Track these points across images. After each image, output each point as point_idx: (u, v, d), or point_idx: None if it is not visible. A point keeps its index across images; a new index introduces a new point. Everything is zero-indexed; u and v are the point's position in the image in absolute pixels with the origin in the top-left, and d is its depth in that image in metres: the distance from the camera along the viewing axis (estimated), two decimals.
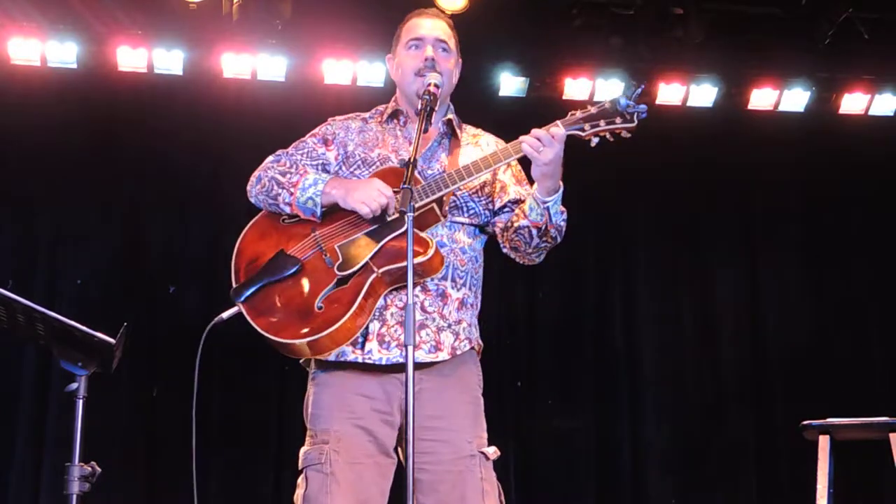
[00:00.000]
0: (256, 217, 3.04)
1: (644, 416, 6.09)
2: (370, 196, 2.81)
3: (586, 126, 2.85)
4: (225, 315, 2.88)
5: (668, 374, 6.16)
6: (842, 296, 6.31)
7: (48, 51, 5.45)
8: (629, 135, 2.88)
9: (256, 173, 3.06)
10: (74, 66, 5.51)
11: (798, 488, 5.68)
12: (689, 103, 6.01)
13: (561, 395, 6.01)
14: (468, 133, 3.11)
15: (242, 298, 2.85)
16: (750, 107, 6.08)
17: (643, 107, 2.86)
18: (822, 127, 6.18)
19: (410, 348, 2.50)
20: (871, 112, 6.13)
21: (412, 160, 2.67)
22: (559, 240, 2.96)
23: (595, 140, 2.87)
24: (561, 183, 2.85)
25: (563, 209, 2.91)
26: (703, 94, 6.00)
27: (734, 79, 6.03)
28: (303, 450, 2.90)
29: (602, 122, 2.85)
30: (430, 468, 2.83)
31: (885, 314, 6.31)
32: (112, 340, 2.59)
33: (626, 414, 6.08)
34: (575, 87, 5.81)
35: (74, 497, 2.55)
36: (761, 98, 6.05)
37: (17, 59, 5.45)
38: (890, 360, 6.30)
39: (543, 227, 2.88)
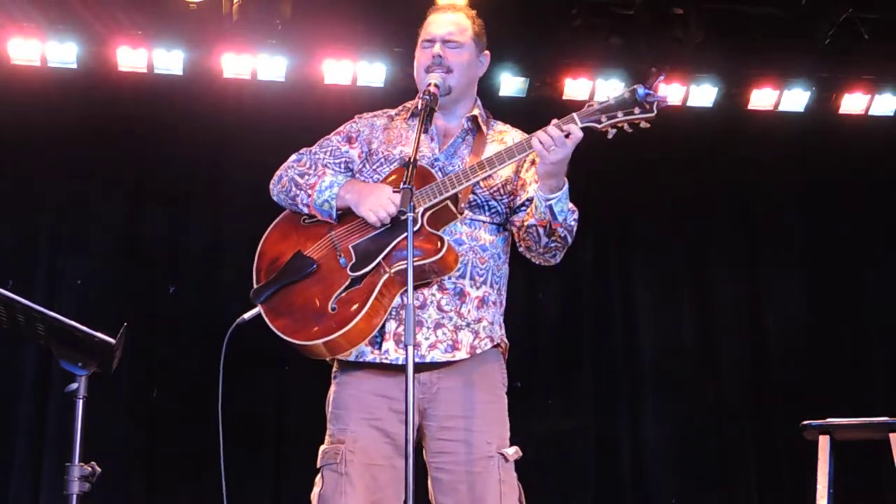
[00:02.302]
0: (279, 218, 3.05)
1: (644, 416, 6.09)
2: (379, 204, 2.82)
3: (603, 118, 2.79)
4: (247, 316, 2.90)
5: (668, 374, 6.15)
6: (841, 296, 6.31)
7: (48, 51, 5.45)
8: (648, 125, 2.81)
9: (279, 172, 3.06)
10: (74, 66, 5.50)
11: (798, 488, 5.69)
12: (689, 103, 6.00)
13: (561, 395, 6.01)
14: (495, 130, 3.08)
15: (262, 299, 2.88)
16: (750, 107, 6.07)
17: (663, 95, 2.78)
18: (822, 127, 6.18)
19: (410, 349, 2.50)
20: (871, 112, 6.13)
21: (412, 161, 2.67)
22: (570, 240, 2.89)
23: (612, 132, 2.81)
24: (565, 179, 2.80)
25: (574, 208, 2.86)
26: (703, 94, 6.00)
27: (734, 79, 6.03)
28: (321, 448, 2.90)
29: (620, 114, 2.78)
30: (448, 468, 2.84)
31: (885, 314, 6.31)
32: (112, 340, 2.59)
33: (626, 414, 6.08)
34: (575, 87, 5.80)
35: (74, 497, 2.55)
36: (761, 98, 6.05)
37: (17, 59, 5.44)
38: (890, 360, 6.30)
39: (548, 226, 2.82)
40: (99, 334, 2.58)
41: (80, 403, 2.60)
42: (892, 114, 6.17)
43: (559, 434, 5.84)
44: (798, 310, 6.33)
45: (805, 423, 4.06)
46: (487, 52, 3.10)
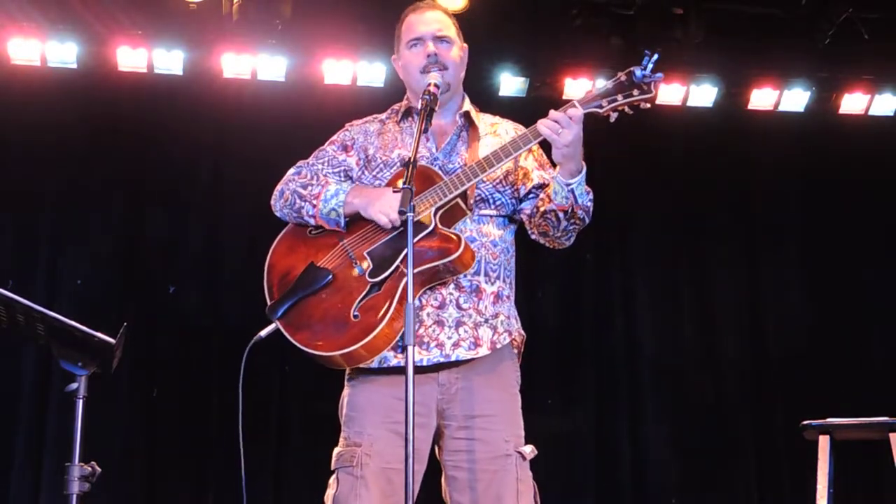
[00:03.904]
0: (283, 231, 3.03)
1: (644, 416, 6.08)
2: (389, 206, 2.80)
3: (604, 102, 2.82)
4: (263, 333, 2.89)
5: (668, 373, 6.15)
6: (841, 295, 6.31)
7: (48, 51, 5.45)
8: (648, 105, 2.85)
9: (279, 187, 3.04)
10: (74, 66, 5.50)
11: (798, 488, 5.68)
12: (689, 103, 6.00)
13: (561, 395, 6.01)
14: (486, 123, 3.08)
15: (279, 315, 2.85)
16: (750, 107, 6.08)
17: (660, 74, 2.81)
18: (822, 127, 6.18)
19: (410, 349, 2.50)
20: (871, 112, 6.13)
21: (412, 160, 2.66)
22: (587, 221, 2.92)
23: (614, 115, 2.84)
24: (584, 163, 2.82)
25: (589, 189, 2.88)
26: (703, 94, 6.00)
27: (734, 79, 6.03)
28: (336, 450, 2.89)
29: (619, 97, 2.82)
30: (466, 466, 2.84)
31: (885, 314, 6.31)
32: (112, 340, 2.59)
33: (626, 414, 6.08)
34: (575, 87, 5.80)
35: (74, 497, 2.55)
36: (761, 98, 6.05)
37: (17, 59, 5.44)
38: (890, 360, 6.30)
39: (570, 210, 2.84)
40: (99, 334, 2.58)
41: (80, 403, 2.60)
42: (892, 114, 6.17)
43: (559, 434, 5.83)
44: (798, 310, 6.33)
45: (805, 423, 4.05)
46: (465, 45, 3.10)
